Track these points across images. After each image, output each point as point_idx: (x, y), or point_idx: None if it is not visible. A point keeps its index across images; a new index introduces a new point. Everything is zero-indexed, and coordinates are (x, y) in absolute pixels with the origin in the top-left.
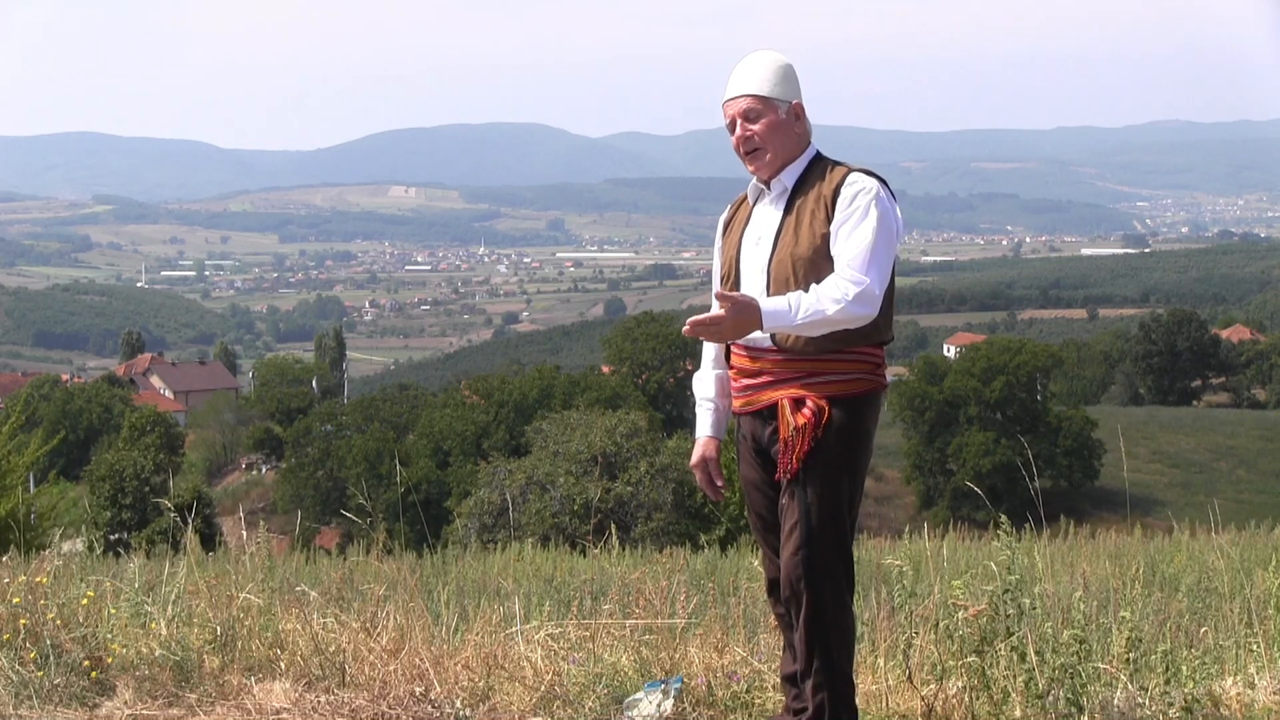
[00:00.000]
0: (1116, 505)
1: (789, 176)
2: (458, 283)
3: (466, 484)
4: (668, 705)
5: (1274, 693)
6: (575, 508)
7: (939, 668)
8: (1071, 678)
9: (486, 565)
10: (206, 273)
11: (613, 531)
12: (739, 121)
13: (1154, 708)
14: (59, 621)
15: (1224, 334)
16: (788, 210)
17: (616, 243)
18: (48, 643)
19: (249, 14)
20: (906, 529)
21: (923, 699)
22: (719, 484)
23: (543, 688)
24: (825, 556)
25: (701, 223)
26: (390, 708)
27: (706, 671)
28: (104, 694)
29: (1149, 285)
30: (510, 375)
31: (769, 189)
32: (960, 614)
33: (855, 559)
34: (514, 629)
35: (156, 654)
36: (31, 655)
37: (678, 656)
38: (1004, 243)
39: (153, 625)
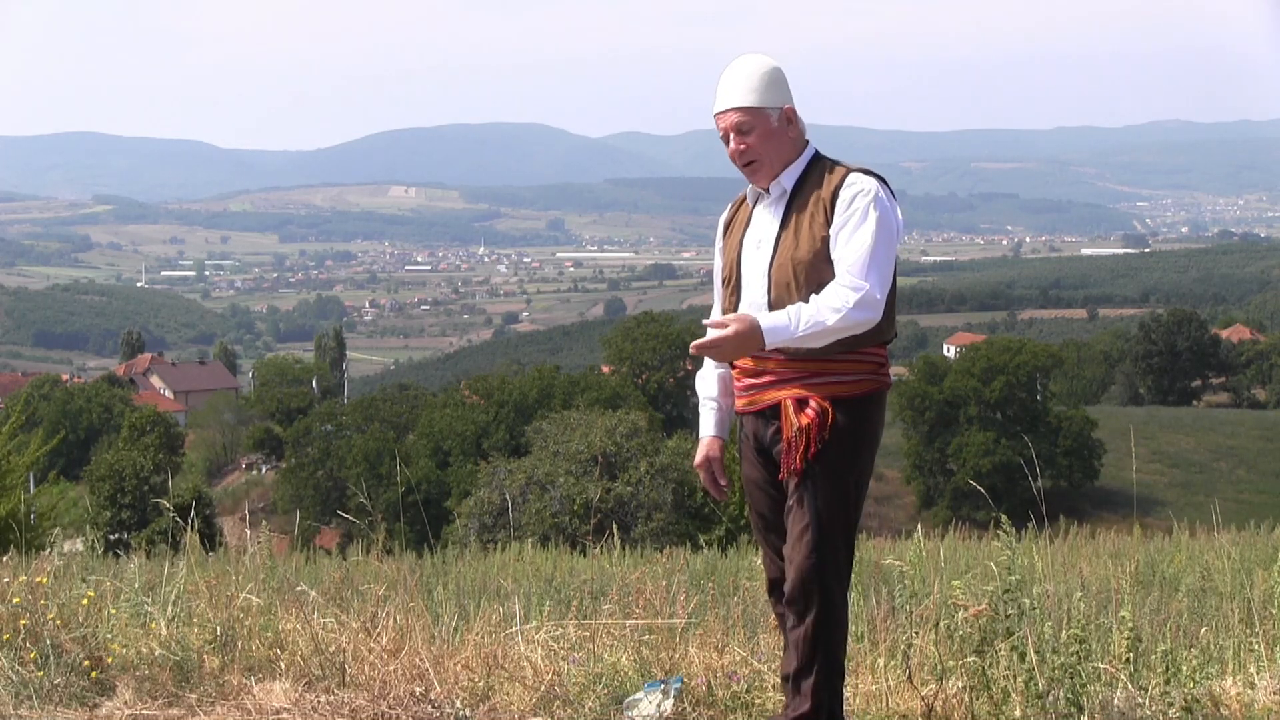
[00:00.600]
0: (1116, 505)
1: (788, 179)
2: (458, 283)
3: (466, 484)
4: (668, 705)
5: (1274, 693)
6: (575, 508)
7: (939, 668)
8: (1071, 678)
9: (486, 565)
10: (206, 273)
11: (613, 531)
12: (732, 136)
13: (1154, 708)
14: (59, 621)
15: (1224, 334)
16: (787, 213)
17: (616, 243)
18: (48, 643)
19: (249, 14)
20: (906, 529)
21: (923, 699)
22: (723, 484)
23: (543, 688)
24: (835, 558)
25: (701, 223)
26: (390, 708)
27: (706, 671)
28: (104, 694)
29: (1149, 285)
30: (510, 375)
31: (768, 192)
32: (960, 614)
33: (855, 558)
34: (514, 629)
35: (156, 654)
36: (31, 655)
37: (678, 656)
38: (1004, 243)
39: (153, 625)
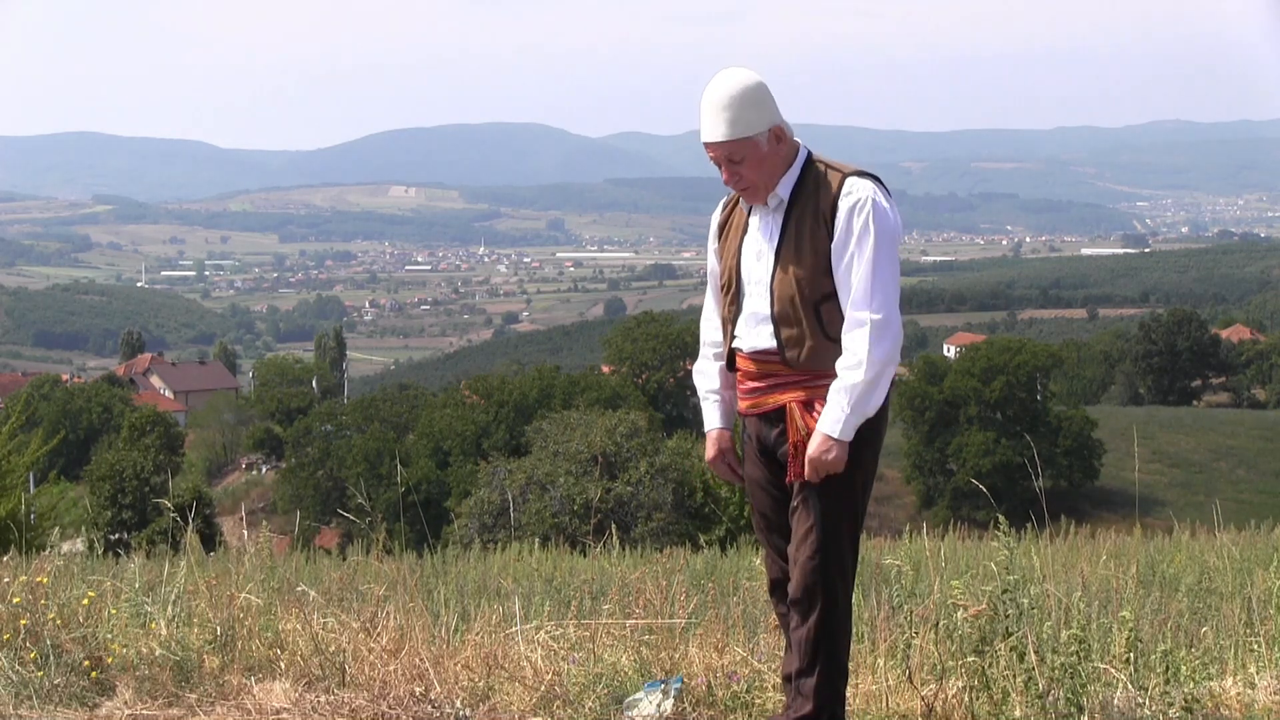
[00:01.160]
0: (1116, 505)
1: (784, 188)
2: (458, 283)
3: (466, 484)
4: (668, 705)
5: (1274, 693)
6: (575, 508)
7: (939, 668)
8: (1071, 678)
9: (486, 565)
10: (206, 273)
11: (613, 531)
12: (724, 167)
13: (1154, 708)
14: (59, 621)
15: (1224, 334)
16: (785, 224)
17: (616, 243)
18: (48, 643)
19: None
20: (906, 529)
21: (923, 699)
22: (740, 472)
23: (543, 688)
24: (840, 560)
25: (701, 223)
26: (390, 708)
27: (706, 671)
28: (104, 694)
29: (1149, 285)
30: (510, 375)
31: (766, 201)
32: (960, 614)
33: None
34: (514, 629)
35: (156, 654)
36: (31, 655)
37: (678, 656)
38: (1004, 243)
39: (153, 625)
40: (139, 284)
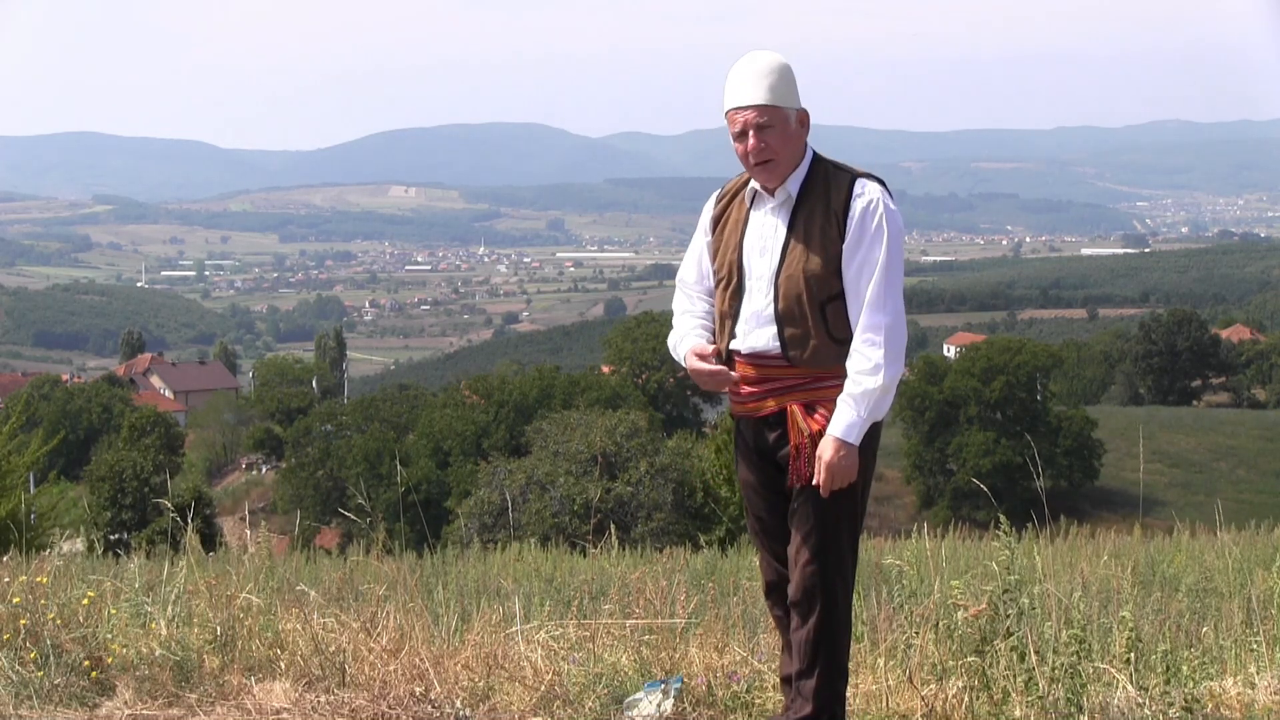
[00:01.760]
0: (1116, 505)
1: (793, 184)
2: (458, 283)
3: (466, 484)
4: (668, 705)
5: (1274, 693)
6: (575, 508)
7: (939, 668)
8: (1071, 678)
9: (486, 565)
10: (206, 273)
11: (612, 531)
12: (751, 132)
13: (1154, 708)
14: (59, 621)
15: (1224, 334)
16: (793, 220)
17: (616, 243)
18: (48, 643)
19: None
20: (907, 529)
21: (923, 699)
22: (728, 373)
23: (543, 688)
24: (839, 563)
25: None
26: (390, 708)
27: (706, 671)
28: (104, 694)
29: (1149, 285)
30: (510, 375)
31: (772, 195)
32: (960, 614)
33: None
34: (514, 629)
35: (156, 654)
36: (31, 655)
37: (678, 656)
38: (1004, 243)
39: (153, 625)
40: (139, 284)
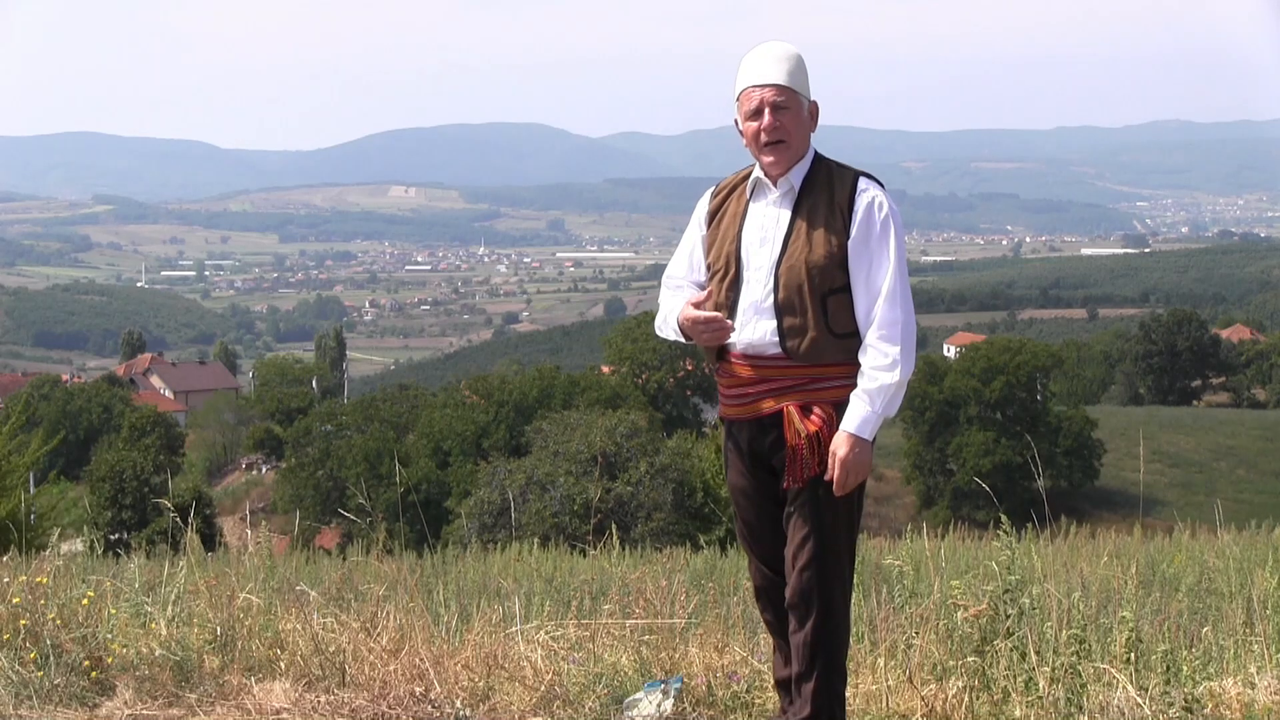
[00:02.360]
0: (1116, 505)
1: (796, 176)
2: (458, 283)
3: (466, 484)
4: (668, 705)
5: (1274, 693)
6: (575, 508)
7: (939, 668)
8: (1071, 678)
9: (486, 565)
10: (206, 273)
11: (613, 531)
12: (768, 110)
13: (1154, 708)
14: (59, 621)
15: (1224, 334)
16: (796, 211)
17: (616, 243)
18: (48, 643)
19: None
20: (906, 529)
21: (923, 699)
22: (721, 319)
23: (543, 688)
24: (838, 566)
25: None
26: (390, 708)
27: (706, 671)
28: (104, 694)
29: (1149, 285)
30: (510, 375)
31: (775, 186)
32: (960, 614)
33: (855, 559)
34: (514, 629)
35: (156, 654)
36: (31, 655)
37: (678, 656)
38: (1004, 243)
39: (153, 625)
40: (139, 284)
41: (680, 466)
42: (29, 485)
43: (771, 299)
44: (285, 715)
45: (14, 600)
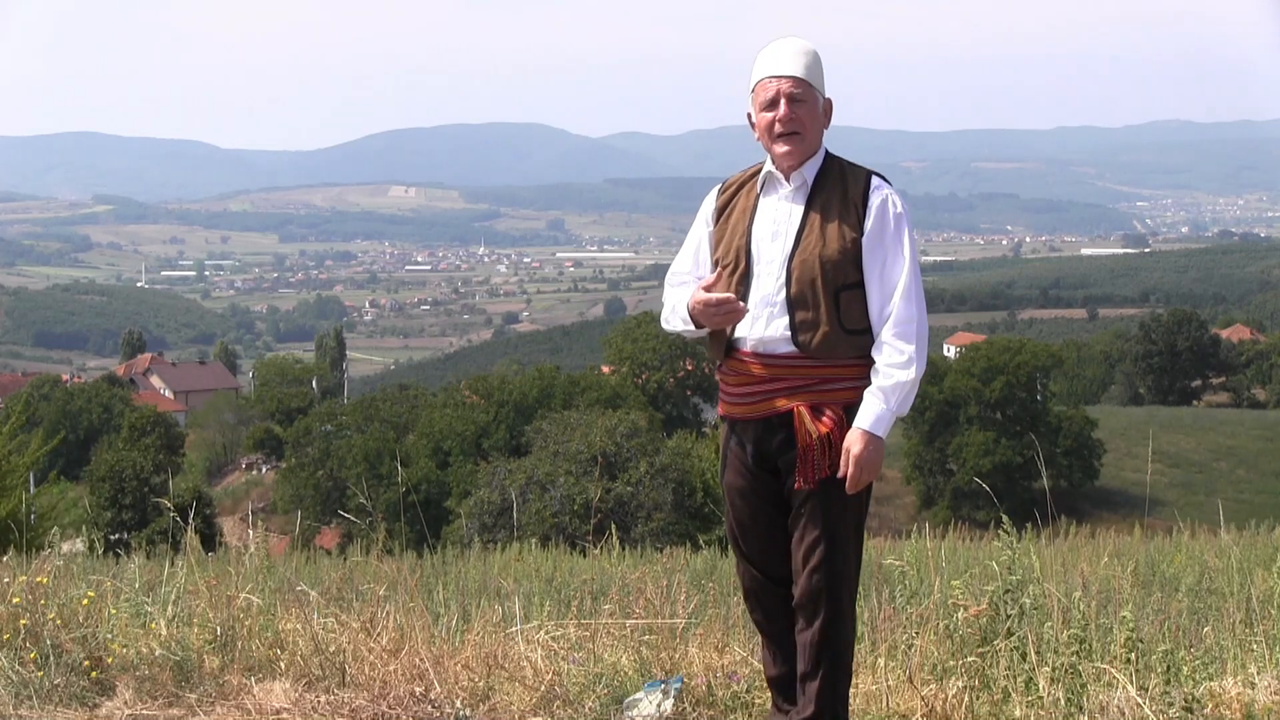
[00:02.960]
0: (1116, 505)
1: (809, 170)
2: (458, 283)
3: (466, 484)
4: (668, 705)
5: (1274, 693)
6: (575, 508)
7: (939, 668)
8: (1071, 678)
9: (486, 565)
10: (206, 273)
11: (613, 531)
12: (784, 101)
13: (1154, 708)
14: (59, 621)
15: (1224, 334)
16: (810, 205)
17: (616, 243)
18: (48, 643)
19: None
20: (907, 529)
21: (923, 699)
22: (732, 297)
23: (543, 688)
24: (846, 567)
25: None
26: (390, 708)
27: (706, 671)
28: (104, 694)
29: (1149, 285)
30: (510, 375)
31: (787, 181)
32: (960, 614)
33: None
34: (514, 629)
35: (156, 654)
36: (31, 655)
37: (678, 656)
38: (1004, 243)
39: (153, 625)
40: (139, 284)
41: (680, 466)
42: (29, 485)
43: (783, 293)
44: (285, 715)
45: (14, 600)
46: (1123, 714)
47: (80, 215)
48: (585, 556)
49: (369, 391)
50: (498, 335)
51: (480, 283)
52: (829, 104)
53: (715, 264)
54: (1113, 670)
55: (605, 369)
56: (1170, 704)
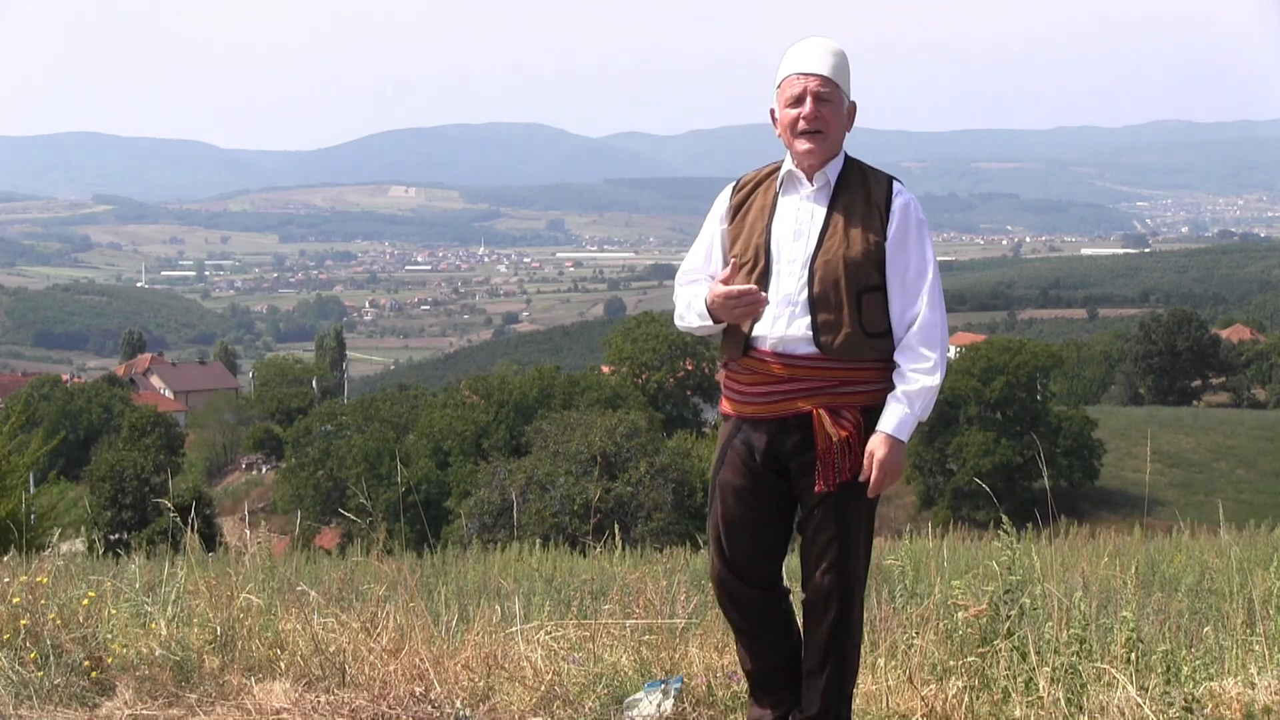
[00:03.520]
0: (1116, 505)
1: (832, 171)
2: (458, 283)
3: (466, 484)
4: (668, 705)
5: (1274, 693)
6: (575, 508)
7: (939, 668)
8: (1071, 678)
9: (486, 565)
10: (206, 273)
11: (613, 531)
12: (810, 99)
13: (1154, 708)
14: (59, 621)
15: (1224, 334)
16: (833, 206)
17: (616, 243)
18: (48, 643)
19: (249, 14)
20: (906, 529)
21: (923, 699)
22: (750, 287)
23: (543, 688)
24: (857, 568)
25: (701, 223)
26: (390, 708)
27: (706, 671)
28: (104, 694)
29: (1149, 285)
30: (510, 375)
31: (810, 181)
32: (960, 614)
33: None
34: (514, 629)
35: (156, 654)
36: (31, 655)
37: (678, 656)
38: (1004, 243)
39: (153, 625)
40: (139, 284)
41: (680, 466)
42: (29, 485)
43: (805, 293)
44: (285, 715)
45: (14, 600)
46: (1123, 714)
47: (80, 215)
48: (585, 556)
49: (369, 391)
50: (498, 335)
51: (480, 283)
52: (853, 107)
53: (730, 261)
54: (1113, 670)
55: (605, 369)
56: (1170, 704)
